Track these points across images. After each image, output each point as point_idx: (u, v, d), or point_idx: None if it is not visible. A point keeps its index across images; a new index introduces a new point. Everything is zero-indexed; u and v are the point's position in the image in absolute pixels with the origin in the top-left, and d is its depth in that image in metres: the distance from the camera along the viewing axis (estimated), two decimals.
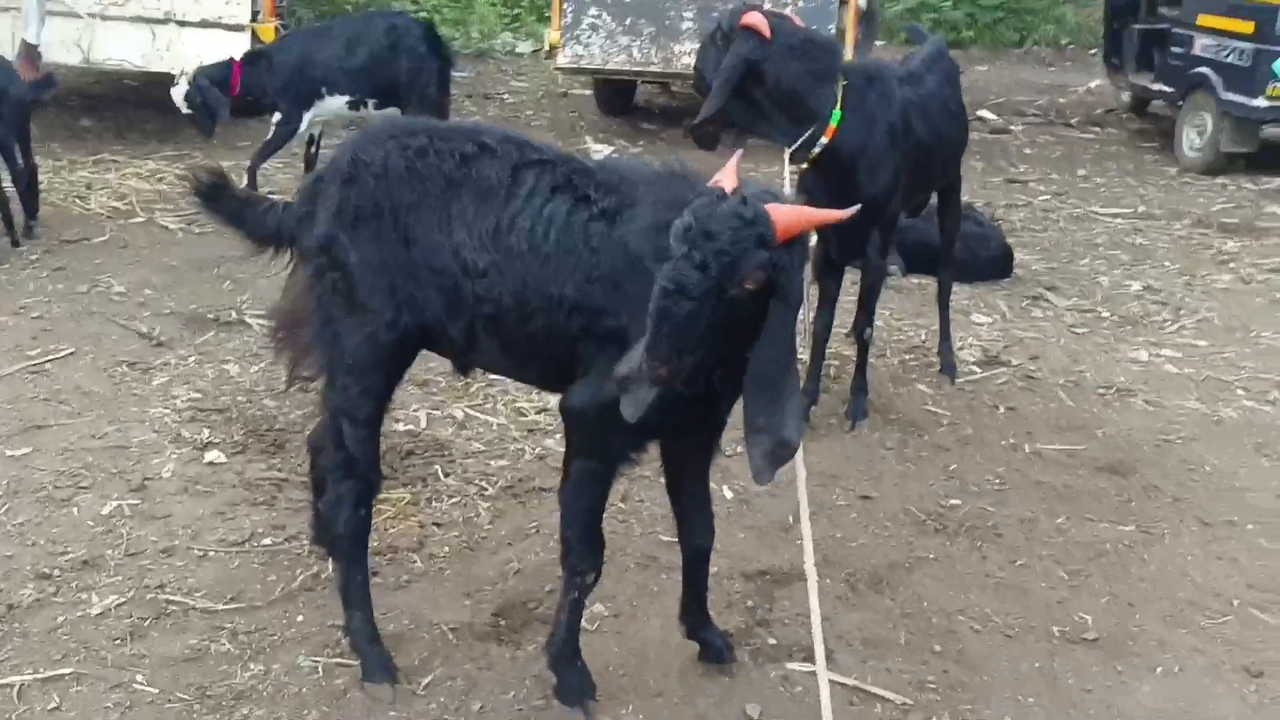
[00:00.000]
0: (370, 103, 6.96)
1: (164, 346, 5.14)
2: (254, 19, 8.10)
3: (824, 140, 4.24)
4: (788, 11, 8.56)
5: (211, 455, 4.26)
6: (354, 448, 3.01)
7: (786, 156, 4.26)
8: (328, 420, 3.06)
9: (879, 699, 3.15)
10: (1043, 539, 3.95)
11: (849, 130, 4.27)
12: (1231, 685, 3.25)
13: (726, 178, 2.49)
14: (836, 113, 4.23)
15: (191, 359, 5.06)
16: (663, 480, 3.85)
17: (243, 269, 6.14)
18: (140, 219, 6.81)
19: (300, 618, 3.40)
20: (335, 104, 6.91)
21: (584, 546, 2.95)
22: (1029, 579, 3.72)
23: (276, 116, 6.89)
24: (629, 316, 2.72)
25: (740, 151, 2.71)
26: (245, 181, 6.91)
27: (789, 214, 2.40)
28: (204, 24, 7.86)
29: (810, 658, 3.29)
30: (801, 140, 4.24)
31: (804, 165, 4.30)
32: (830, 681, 3.16)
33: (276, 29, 8.51)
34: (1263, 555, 3.89)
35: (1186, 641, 3.43)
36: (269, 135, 7.00)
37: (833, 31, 8.72)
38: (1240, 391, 5.17)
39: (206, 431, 4.42)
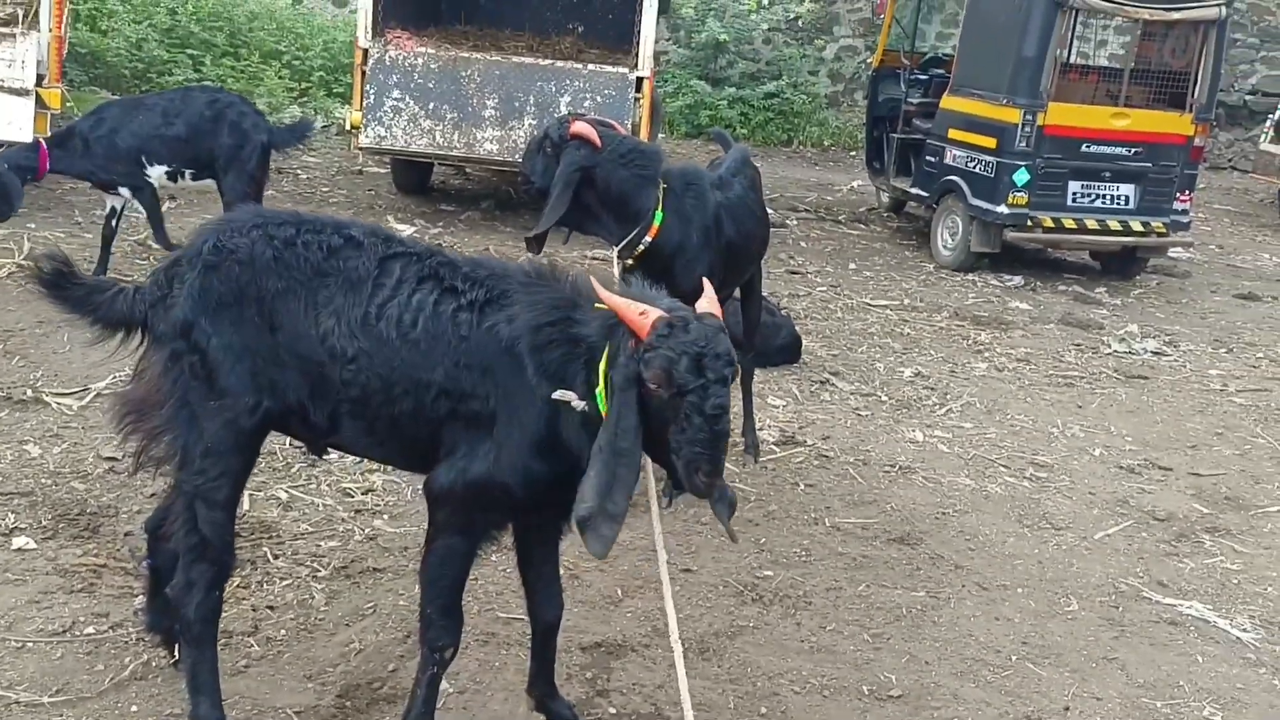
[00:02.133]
0: (188, 173, 6.88)
1: None
2: (39, 83, 7.79)
3: (648, 239, 4.57)
4: (587, 108, 9.07)
5: (19, 541, 4.06)
6: (208, 531, 3.00)
7: (615, 254, 4.56)
8: (180, 504, 3.03)
9: None
10: (848, 605, 4.31)
11: (669, 230, 4.63)
12: None
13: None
14: (659, 214, 4.59)
15: None
16: (496, 559, 4.03)
17: (33, 344, 5.89)
18: None
19: (134, 708, 3.31)
20: (155, 174, 6.80)
21: (445, 622, 3.06)
22: (839, 642, 4.06)
23: (125, 192, 6.73)
24: (497, 400, 2.91)
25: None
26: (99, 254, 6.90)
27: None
28: None
29: None
30: (628, 239, 4.55)
31: (629, 261, 4.60)
32: None
33: (62, 93, 8.22)
34: (1032, 615, 4.39)
35: (975, 695, 3.84)
36: (144, 213, 6.95)
37: (629, 125, 9.21)
38: (1002, 468, 5.79)
39: (11, 516, 4.21)
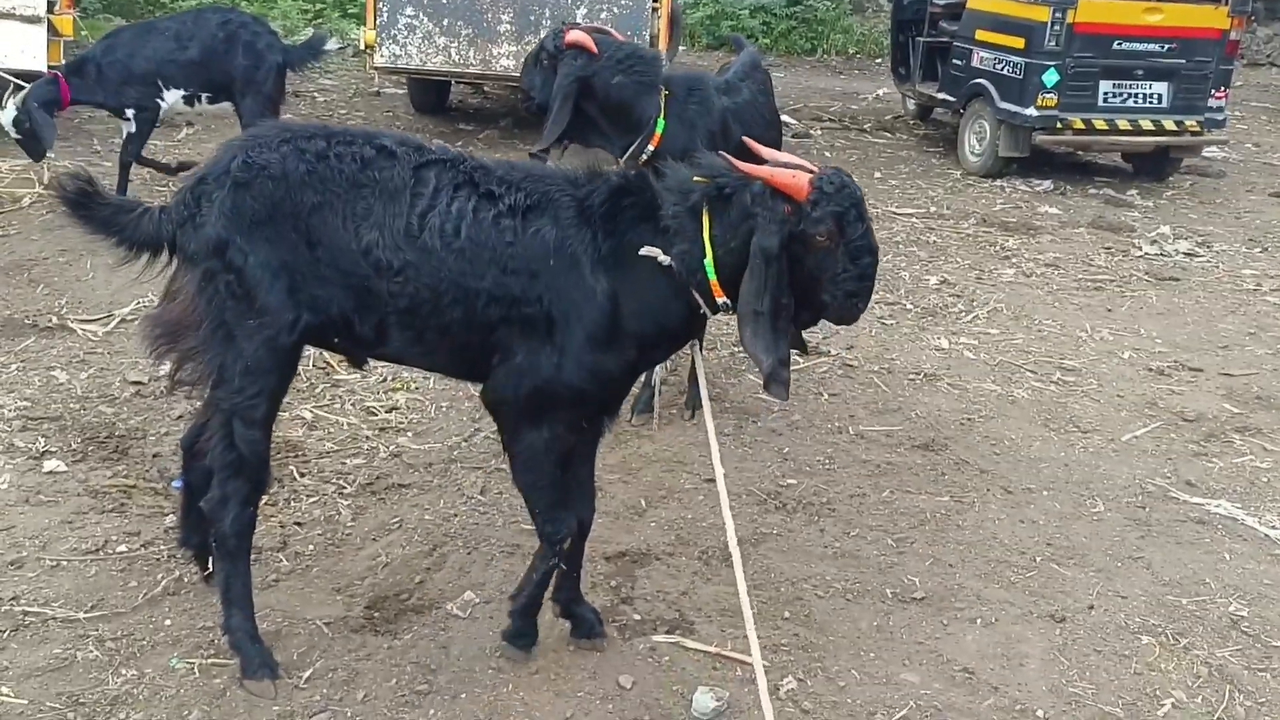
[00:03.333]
0: (204, 97, 6.83)
1: None
2: (50, 10, 7.73)
3: (650, 148, 4.49)
4: (604, 20, 8.90)
5: (50, 464, 4.13)
6: (245, 448, 3.00)
7: (622, 164, 4.49)
8: (217, 421, 3.02)
9: (739, 663, 3.40)
10: (871, 511, 4.32)
11: (673, 137, 4.53)
12: (1039, 630, 3.67)
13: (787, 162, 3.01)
14: (661, 121, 4.48)
15: (14, 367, 4.84)
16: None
17: (56, 273, 5.93)
18: None
19: (168, 621, 3.38)
20: (171, 98, 6.77)
21: (555, 514, 3.16)
22: (862, 547, 4.07)
23: (129, 112, 6.69)
24: (551, 302, 2.95)
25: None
26: (117, 179, 6.88)
27: None
28: None
29: (673, 629, 3.55)
30: (631, 149, 4.47)
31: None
32: (695, 649, 3.44)
33: (74, 20, 8.16)
34: (1057, 517, 4.38)
35: (999, 595, 3.85)
36: (131, 128, 6.82)
37: (646, 38, 9.04)
38: (1029, 373, 5.74)
39: (42, 440, 4.28)
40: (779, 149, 5.43)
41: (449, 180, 2.96)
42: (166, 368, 3.11)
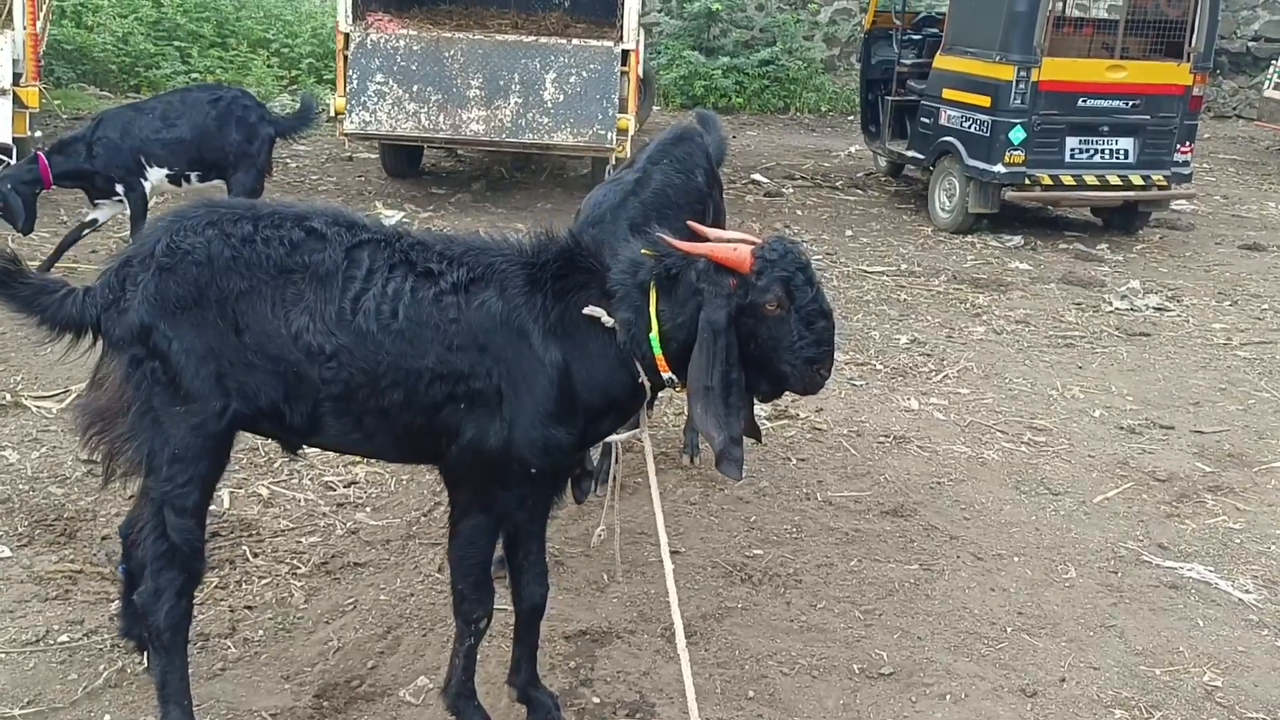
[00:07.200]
0: (193, 176, 6.84)
1: None
2: (15, 82, 7.73)
3: None
4: (571, 83, 8.96)
5: None
6: (177, 537, 2.90)
7: None
8: (149, 510, 2.93)
9: None
10: (838, 582, 4.23)
11: None
12: (1010, 705, 3.58)
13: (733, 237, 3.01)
14: None
15: None
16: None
17: (13, 348, 5.84)
18: None
19: (108, 716, 3.25)
20: (156, 177, 6.76)
21: (477, 595, 3.09)
22: (829, 620, 3.98)
23: (119, 189, 6.73)
24: (500, 375, 2.90)
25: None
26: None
27: None
28: None
29: (633, 713, 3.44)
30: None
31: None
32: None
33: (40, 91, 8.16)
34: (1029, 585, 4.30)
35: (969, 669, 3.76)
36: (128, 211, 6.86)
37: (616, 101, 9.09)
38: (1000, 434, 5.69)
39: None
40: (706, 220, 5.36)
41: (384, 260, 2.90)
42: (101, 456, 3.01)
